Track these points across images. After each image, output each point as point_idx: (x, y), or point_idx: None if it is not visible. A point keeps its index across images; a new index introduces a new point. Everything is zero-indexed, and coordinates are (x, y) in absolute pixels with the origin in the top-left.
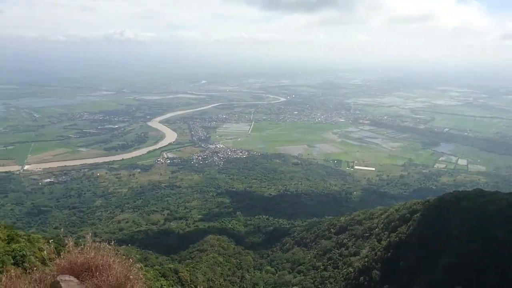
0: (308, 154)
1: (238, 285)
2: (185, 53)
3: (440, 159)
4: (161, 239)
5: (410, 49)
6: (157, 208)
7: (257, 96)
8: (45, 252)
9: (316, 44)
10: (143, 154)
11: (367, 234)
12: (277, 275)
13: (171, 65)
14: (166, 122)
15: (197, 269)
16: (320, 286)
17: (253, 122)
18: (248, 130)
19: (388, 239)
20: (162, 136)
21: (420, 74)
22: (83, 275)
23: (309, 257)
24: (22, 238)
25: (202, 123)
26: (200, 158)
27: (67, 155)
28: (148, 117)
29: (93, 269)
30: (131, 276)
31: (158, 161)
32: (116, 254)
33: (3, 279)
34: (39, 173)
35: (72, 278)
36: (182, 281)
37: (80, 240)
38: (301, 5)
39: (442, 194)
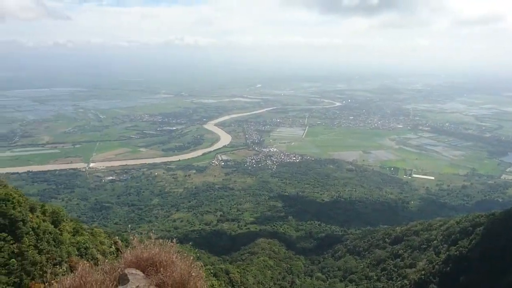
0: (363, 161)
1: None
2: (241, 58)
3: (508, 169)
4: (213, 240)
5: (475, 53)
6: (210, 209)
7: (312, 100)
8: (112, 246)
9: (374, 48)
10: (198, 156)
11: (424, 246)
12: (328, 282)
13: (228, 70)
14: (221, 125)
15: (247, 271)
16: None
17: (307, 127)
18: (302, 135)
19: (447, 252)
20: (217, 139)
21: (486, 80)
22: (148, 269)
23: (362, 267)
24: (86, 232)
25: (256, 127)
26: (253, 161)
27: (128, 154)
28: (204, 119)
29: (157, 264)
30: (193, 274)
31: (212, 163)
32: (178, 251)
33: (79, 269)
34: (103, 171)
35: (138, 272)
36: (233, 282)
37: (141, 235)
38: (361, 9)
39: (509, 208)
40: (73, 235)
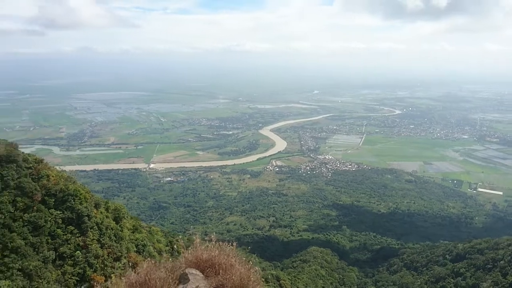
0: (423, 172)
1: None
2: (299, 64)
3: None
4: (265, 245)
5: None
6: (263, 214)
7: (370, 108)
8: (172, 245)
9: (438, 53)
10: (253, 161)
11: (489, 266)
12: None
13: (285, 75)
14: (277, 130)
15: (298, 278)
16: None
17: (364, 135)
18: (359, 143)
19: None
20: (272, 144)
21: None
22: (207, 271)
23: (419, 283)
24: (144, 229)
25: (312, 133)
26: (308, 168)
27: (186, 157)
28: (260, 125)
29: (217, 266)
30: (252, 278)
31: (267, 168)
32: (238, 255)
33: (144, 265)
34: (162, 171)
35: (198, 272)
36: None
37: (193, 237)
38: (427, 13)
39: None
40: (132, 232)
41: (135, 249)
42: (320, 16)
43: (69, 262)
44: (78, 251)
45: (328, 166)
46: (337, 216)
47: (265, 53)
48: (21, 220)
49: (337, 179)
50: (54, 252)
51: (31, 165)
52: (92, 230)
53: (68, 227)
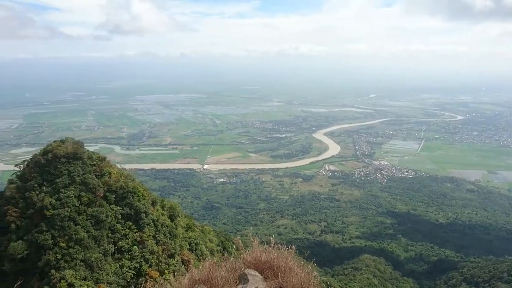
0: (487, 182)
1: None
2: (355, 67)
3: None
4: (316, 250)
5: None
6: (314, 218)
7: (429, 112)
8: (234, 246)
9: (506, 56)
10: (305, 164)
11: None
12: None
13: (340, 79)
14: (331, 134)
15: (350, 286)
16: None
17: (423, 141)
18: (417, 149)
19: None
20: (325, 148)
21: None
22: (266, 272)
23: None
24: (197, 228)
25: (367, 138)
26: (362, 173)
27: (239, 159)
28: (313, 128)
29: (275, 268)
30: (312, 283)
31: (319, 172)
32: (297, 259)
33: (207, 264)
34: (215, 172)
35: (257, 273)
36: None
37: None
38: (496, 13)
39: None
40: (186, 231)
41: (188, 247)
42: (379, 18)
43: (127, 256)
44: (135, 246)
45: (383, 172)
46: (391, 224)
47: (321, 56)
48: (84, 214)
49: (392, 186)
50: (113, 245)
51: (95, 162)
52: (148, 226)
53: (126, 222)
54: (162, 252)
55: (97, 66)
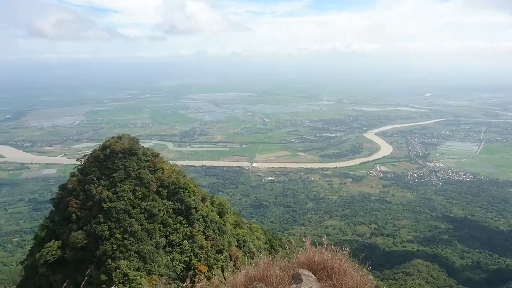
0: None
1: None
2: (410, 65)
3: None
4: (365, 252)
5: None
6: (364, 220)
7: (491, 113)
8: (286, 246)
9: None
10: (355, 165)
11: None
12: None
13: (394, 77)
14: (382, 134)
15: None
16: None
17: (482, 142)
18: (476, 151)
19: None
20: (376, 148)
21: None
22: (319, 273)
23: None
24: (245, 226)
25: (421, 139)
26: (415, 175)
27: (287, 157)
28: (364, 128)
29: (329, 270)
30: (367, 286)
31: (370, 173)
32: (351, 261)
33: (261, 262)
34: (264, 171)
35: (310, 274)
36: None
37: (291, 237)
38: None
39: None
40: (234, 227)
41: (236, 243)
42: (436, 14)
43: (177, 249)
44: (186, 241)
45: (438, 175)
46: (447, 229)
47: (374, 54)
48: (138, 207)
49: (448, 189)
50: (165, 239)
51: (149, 158)
52: (198, 222)
53: (177, 217)
54: (211, 247)
55: (152, 65)
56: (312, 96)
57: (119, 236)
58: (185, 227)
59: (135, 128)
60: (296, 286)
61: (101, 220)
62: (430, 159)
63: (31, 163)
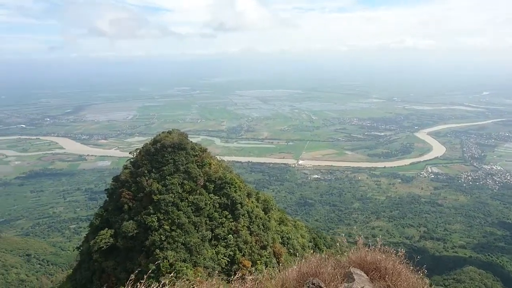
0: None
1: None
2: (467, 61)
3: None
4: (412, 256)
5: None
6: (413, 222)
7: None
8: (338, 243)
9: None
10: (405, 165)
11: None
12: None
13: (450, 74)
14: (435, 134)
15: None
16: None
17: None
18: None
19: None
20: (428, 149)
21: None
22: (372, 273)
23: None
24: (290, 223)
25: (477, 140)
26: (469, 178)
27: (334, 156)
28: (416, 127)
29: (382, 270)
30: None
31: (420, 174)
32: (406, 263)
33: (313, 259)
34: (309, 168)
35: (362, 273)
36: None
37: (336, 237)
38: None
39: None
40: (279, 224)
41: (280, 240)
42: (499, 6)
43: (222, 243)
44: (231, 235)
45: (495, 178)
46: (503, 236)
47: (429, 50)
48: (186, 200)
49: (506, 194)
50: (210, 232)
51: (197, 153)
52: (243, 217)
53: (223, 211)
54: (255, 243)
55: (202, 62)
56: (361, 94)
57: (167, 227)
58: (231, 222)
59: (184, 123)
60: (348, 285)
61: (151, 211)
62: (487, 162)
63: (87, 155)
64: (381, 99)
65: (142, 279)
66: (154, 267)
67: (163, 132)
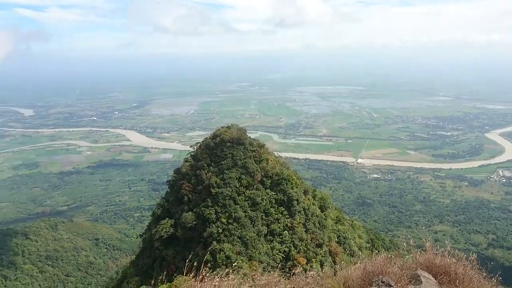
0: None
1: None
2: None
3: None
4: (479, 265)
5: None
6: (480, 229)
7: None
8: (405, 244)
9: None
10: (473, 167)
11: None
12: None
13: None
14: (508, 135)
15: None
16: None
17: None
18: None
19: None
20: (500, 151)
21: None
22: (440, 277)
23: None
24: (347, 222)
25: None
26: None
27: (395, 155)
28: (486, 127)
29: (452, 275)
30: None
31: (490, 177)
32: (478, 269)
33: (379, 258)
34: (369, 167)
35: (430, 276)
36: None
37: (395, 239)
38: None
39: None
40: (335, 223)
41: (336, 239)
42: None
43: (277, 239)
44: (286, 231)
45: None
46: None
47: (504, 45)
48: (243, 195)
49: None
50: (266, 227)
51: (254, 148)
52: (299, 214)
53: (279, 207)
54: (311, 240)
55: (262, 58)
56: (427, 91)
57: (224, 220)
58: (286, 218)
59: (243, 119)
60: (415, 287)
61: (209, 204)
62: None
63: (151, 148)
64: (449, 96)
65: (199, 269)
66: (210, 258)
67: (222, 127)
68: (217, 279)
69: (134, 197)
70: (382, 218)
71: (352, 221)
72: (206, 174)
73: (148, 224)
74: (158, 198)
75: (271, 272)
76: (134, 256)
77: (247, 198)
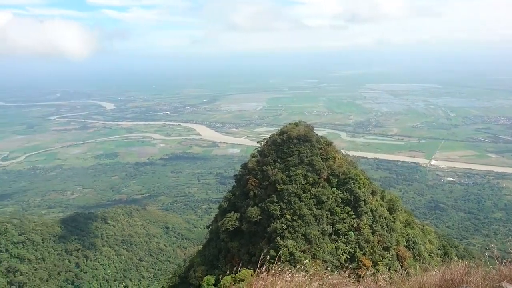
0: None
1: None
2: None
3: None
4: None
5: None
6: None
7: None
8: (486, 253)
9: None
10: None
11: None
12: None
13: None
14: None
15: None
16: None
17: None
18: None
19: None
20: None
21: None
22: None
23: None
24: (417, 226)
25: None
26: None
27: (473, 158)
28: None
29: None
30: None
31: None
32: None
33: (460, 266)
34: (443, 170)
35: None
36: None
37: (471, 247)
38: None
39: None
40: (405, 226)
41: (405, 243)
42: None
43: (342, 239)
44: (352, 232)
45: None
46: None
47: None
48: (309, 192)
49: None
50: (331, 227)
51: (322, 146)
52: (366, 215)
53: (345, 207)
54: (377, 243)
55: (332, 55)
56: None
57: (289, 217)
58: (352, 218)
59: (310, 116)
60: None
61: (274, 200)
62: None
63: (220, 142)
64: None
65: (264, 264)
66: (274, 253)
67: (289, 124)
68: (289, 275)
69: (203, 190)
70: (457, 224)
71: (423, 226)
72: (272, 170)
73: (215, 216)
74: (225, 191)
75: (338, 272)
76: (201, 246)
77: (312, 196)
